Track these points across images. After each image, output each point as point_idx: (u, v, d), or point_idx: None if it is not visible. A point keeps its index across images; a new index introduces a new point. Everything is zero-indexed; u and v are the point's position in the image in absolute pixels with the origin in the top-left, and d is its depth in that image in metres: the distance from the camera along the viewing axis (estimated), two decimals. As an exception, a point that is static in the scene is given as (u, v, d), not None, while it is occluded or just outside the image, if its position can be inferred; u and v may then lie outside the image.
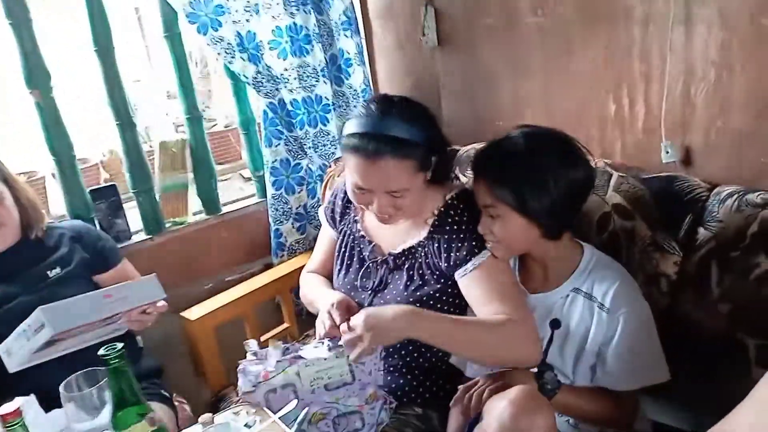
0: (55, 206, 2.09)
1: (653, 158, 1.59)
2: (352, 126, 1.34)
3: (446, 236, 1.40)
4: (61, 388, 1.05)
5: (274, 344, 1.30)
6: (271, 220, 2.24)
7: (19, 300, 1.58)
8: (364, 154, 1.30)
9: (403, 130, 1.30)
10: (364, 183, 1.34)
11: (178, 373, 1.91)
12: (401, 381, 1.47)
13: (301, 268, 1.84)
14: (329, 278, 1.66)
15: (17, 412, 0.94)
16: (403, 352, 1.46)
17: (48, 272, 1.64)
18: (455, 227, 1.40)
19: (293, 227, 2.27)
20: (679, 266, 1.36)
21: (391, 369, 1.47)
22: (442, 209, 1.43)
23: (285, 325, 2.10)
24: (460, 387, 1.28)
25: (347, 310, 1.35)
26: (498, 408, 1.11)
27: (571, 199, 1.27)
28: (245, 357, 1.31)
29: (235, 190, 2.51)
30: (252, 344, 1.31)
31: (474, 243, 1.37)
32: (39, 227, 1.67)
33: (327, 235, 1.72)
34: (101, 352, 0.91)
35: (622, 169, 1.48)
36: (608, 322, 1.27)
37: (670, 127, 1.56)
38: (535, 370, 1.31)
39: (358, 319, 1.24)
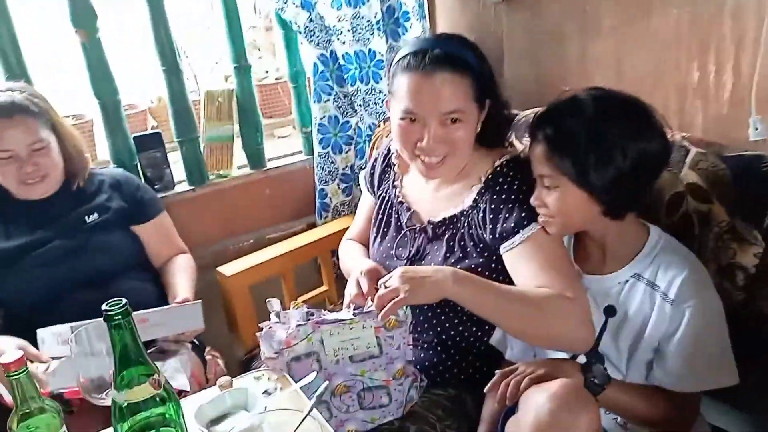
0: (102, 151, 2.06)
1: (739, 135, 1.41)
2: (405, 48, 1.29)
3: (492, 205, 1.28)
4: (71, 339, 1.00)
5: (296, 305, 1.22)
6: (316, 179, 2.16)
7: (54, 244, 1.57)
8: (418, 70, 1.24)
9: (458, 49, 1.26)
10: (415, 105, 1.24)
11: (214, 327, 1.87)
12: (434, 359, 1.37)
13: (345, 230, 1.77)
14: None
15: (21, 361, 0.90)
16: (438, 329, 1.36)
17: (86, 218, 1.63)
18: (503, 196, 1.28)
19: (339, 188, 2.18)
20: (761, 259, 1.20)
21: (425, 346, 1.38)
22: (490, 175, 1.31)
23: (323, 288, 2.03)
24: (498, 372, 1.16)
25: (377, 280, 1.25)
26: (537, 401, 1.01)
27: (640, 174, 1.12)
28: (269, 317, 1.24)
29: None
30: (275, 304, 1.24)
31: (523, 214, 1.24)
32: (82, 176, 1.66)
33: (367, 202, 1.62)
34: (104, 307, 0.84)
35: (702, 145, 1.30)
36: (672, 314, 1.12)
37: (761, 100, 1.37)
38: (583, 360, 1.19)
39: (393, 275, 1.16)
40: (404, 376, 1.24)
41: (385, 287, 1.16)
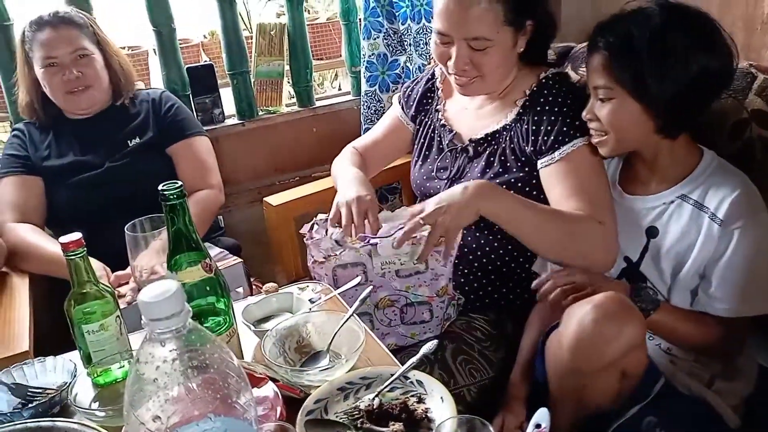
0: (156, 82, 2.10)
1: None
2: None
3: (536, 117, 1.27)
4: (126, 229, 1.02)
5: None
6: (362, 118, 2.16)
7: (102, 167, 1.62)
8: None
9: None
10: (444, 25, 1.24)
11: (258, 260, 1.92)
12: (475, 285, 1.37)
13: (390, 170, 1.76)
14: (372, 160, 1.59)
15: (79, 242, 0.93)
16: (480, 254, 1.36)
17: (128, 141, 1.65)
18: (547, 107, 1.26)
19: (384, 128, 2.17)
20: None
21: (466, 271, 1.37)
22: (535, 88, 1.30)
23: (367, 226, 2.04)
24: (544, 276, 1.16)
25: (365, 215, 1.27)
26: (580, 312, 1.00)
27: (700, 90, 1.08)
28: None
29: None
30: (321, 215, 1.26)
31: (565, 128, 1.23)
32: (127, 94, 1.69)
33: (391, 114, 1.61)
34: (161, 187, 0.86)
35: (769, 72, 1.25)
36: (719, 236, 1.09)
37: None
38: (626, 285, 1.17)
39: (428, 205, 1.16)
40: (446, 294, 1.25)
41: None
